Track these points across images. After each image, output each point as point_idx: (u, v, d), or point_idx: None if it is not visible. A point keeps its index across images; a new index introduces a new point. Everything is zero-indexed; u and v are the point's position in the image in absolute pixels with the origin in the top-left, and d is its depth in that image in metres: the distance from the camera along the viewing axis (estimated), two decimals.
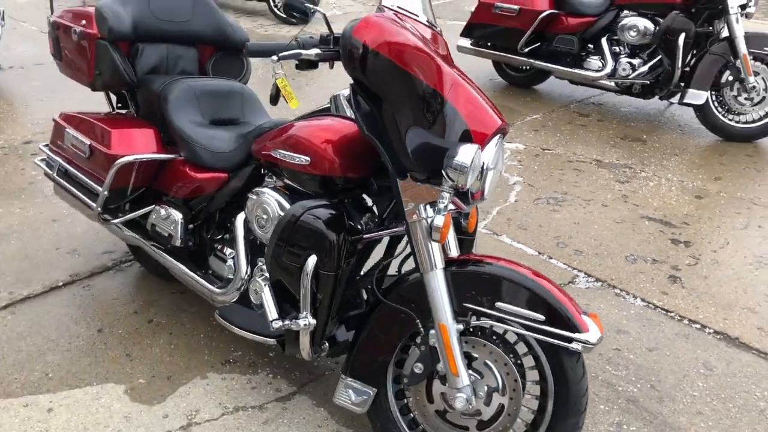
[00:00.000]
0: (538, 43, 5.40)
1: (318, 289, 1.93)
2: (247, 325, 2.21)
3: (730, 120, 4.72)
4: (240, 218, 2.34)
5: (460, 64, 1.94)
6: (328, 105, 2.19)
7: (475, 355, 1.91)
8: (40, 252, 3.25)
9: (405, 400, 2.05)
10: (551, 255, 3.29)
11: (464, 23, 5.72)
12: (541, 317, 1.79)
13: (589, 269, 3.17)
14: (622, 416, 2.31)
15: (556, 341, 1.78)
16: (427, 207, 1.82)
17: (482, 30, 5.59)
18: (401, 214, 1.86)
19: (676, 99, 5.12)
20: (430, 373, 1.94)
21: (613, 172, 4.23)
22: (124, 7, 2.67)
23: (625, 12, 5.01)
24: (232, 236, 2.48)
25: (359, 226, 2.04)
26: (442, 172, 1.72)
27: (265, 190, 2.20)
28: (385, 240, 2.14)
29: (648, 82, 4.92)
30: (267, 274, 2.21)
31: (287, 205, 2.12)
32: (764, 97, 4.60)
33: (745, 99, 4.63)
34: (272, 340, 2.12)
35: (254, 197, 2.22)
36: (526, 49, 5.39)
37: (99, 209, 2.61)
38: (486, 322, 1.87)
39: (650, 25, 4.84)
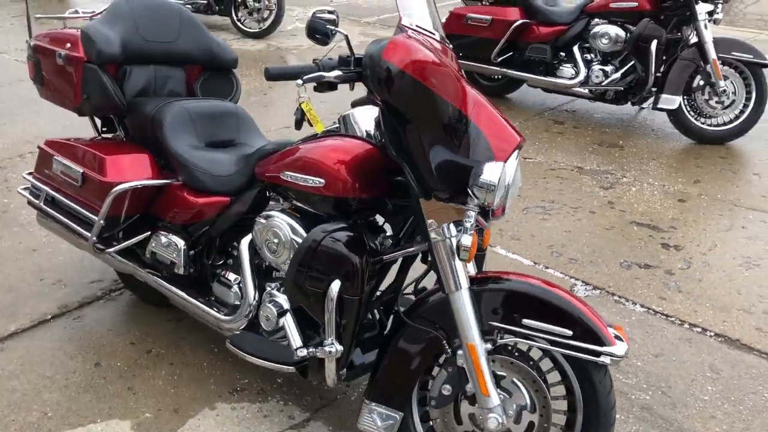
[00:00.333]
0: (511, 53, 5.45)
1: (342, 314, 1.89)
2: (262, 352, 2.15)
3: (702, 123, 4.83)
4: (245, 242, 2.28)
5: None
6: (335, 125, 2.15)
7: (503, 374, 1.89)
8: (23, 284, 3.12)
9: (430, 422, 2.02)
10: (547, 264, 3.31)
11: None
12: (569, 332, 1.78)
13: (586, 277, 3.19)
14: (638, 425, 2.31)
15: (584, 356, 1.77)
16: (451, 226, 1.80)
17: (454, 41, 5.59)
18: (423, 234, 1.84)
19: (646, 104, 5.24)
20: (458, 395, 1.91)
21: (595, 179, 4.28)
22: (111, 28, 2.59)
23: (596, 20, 5.09)
24: (235, 261, 2.42)
25: (375, 247, 2.00)
26: (468, 190, 1.71)
27: (274, 213, 2.15)
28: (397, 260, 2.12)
29: (622, 89, 5.01)
30: (278, 300, 2.16)
31: (300, 229, 2.07)
32: (734, 101, 4.73)
33: (716, 102, 4.74)
34: (291, 367, 2.07)
35: (263, 221, 2.16)
36: (499, 59, 5.43)
37: (94, 239, 2.51)
38: (511, 340, 1.86)
39: (621, 33, 4.93)
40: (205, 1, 7.97)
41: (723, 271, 3.25)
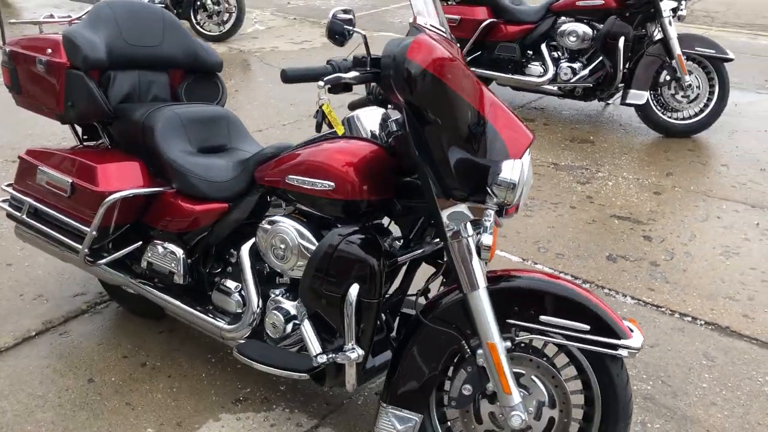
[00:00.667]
0: (479, 52, 5.49)
1: (360, 318, 1.87)
2: (272, 360, 2.10)
3: (669, 117, 4.95)
4: (245, 249, 2.24)
5: None
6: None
7: (521, 371, 1.89)
8: (2, 300, 2.99)
9: (448, 423, 2.01)
10: (536, 260, 3.34)
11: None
12: (586, 327, 1.80)
13: (574, 272, 3.23)
14: (644, 415, 2.35)
15: (602, 349, 1.79)
16: (468, 225, 1.80)
17: None
18: (440, 234, 1.83)
19: (612, 100, 5.35)
20: (477, 394, 1.91)
21: (571, 175, 4.34)
22: (95, 33, 2.51)
23: (563, 18, 5.17)
24: (234, 268, 2.37)
25: (388, 249, 1.99)
26: (487, 189, 1.71)
27: (279, 218, 2.11)
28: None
29: (590, 85, 5.09)
30: (284, 306, 2.13)
31: (308, 234, 2.04)
32: (698, 95, 4.86)
33: (682, 97, 4.87)
34: (304, 374, 2.03)
35: (268, 226, 2.12)
36: (469, 58, 5.46)
37: (86, 251, 2.43)
38: (527, 337, 1.87)
39: (588, 30, 5.02)
40: (162, 5, 7.80)
41: (705, 260, 3.33)
